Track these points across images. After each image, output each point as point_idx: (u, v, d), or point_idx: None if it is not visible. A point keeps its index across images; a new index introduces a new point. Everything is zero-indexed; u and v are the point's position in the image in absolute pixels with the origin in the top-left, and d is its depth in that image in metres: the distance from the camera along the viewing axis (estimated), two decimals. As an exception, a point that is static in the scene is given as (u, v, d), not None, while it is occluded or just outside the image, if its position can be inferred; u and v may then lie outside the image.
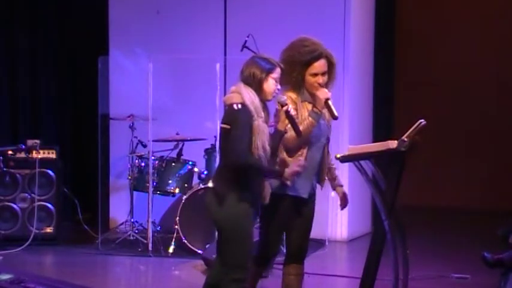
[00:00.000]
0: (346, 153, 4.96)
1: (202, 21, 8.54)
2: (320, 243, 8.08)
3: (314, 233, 8.18)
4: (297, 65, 4.67)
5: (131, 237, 7.96)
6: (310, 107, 4.68)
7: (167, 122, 8.12)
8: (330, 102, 4.69)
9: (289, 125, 4.55)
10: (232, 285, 4.43)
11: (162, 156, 7.87)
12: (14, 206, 7.97)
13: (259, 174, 4.43)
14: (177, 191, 7.80)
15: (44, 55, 9.16)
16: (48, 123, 9.18)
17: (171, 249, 7.50)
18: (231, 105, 4.38)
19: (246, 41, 7.51)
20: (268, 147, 4.39)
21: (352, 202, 8.39)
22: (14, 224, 7.96)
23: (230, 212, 4.38)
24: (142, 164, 7.88)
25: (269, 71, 4.43)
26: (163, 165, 7.80)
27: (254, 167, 4.36)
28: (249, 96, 4.37)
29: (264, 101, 4.45)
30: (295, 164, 4.53)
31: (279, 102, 4.54)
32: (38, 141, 7.94)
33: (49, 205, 8.02)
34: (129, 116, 7.98)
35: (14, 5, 8.97)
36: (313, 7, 8.35)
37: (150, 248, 7.59)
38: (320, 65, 4.77)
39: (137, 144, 8.07)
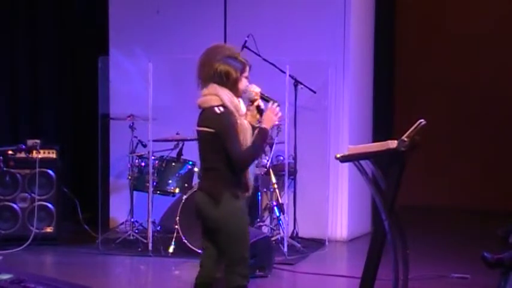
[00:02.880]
0: (346, 153, 4.97)
1: (202, 21, 8.55)
2: (320, 243, 8.08)
3: (314, 233, 8.27)
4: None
5: (131, 237, 7.96)
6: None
7: (167, 122, 8.12)
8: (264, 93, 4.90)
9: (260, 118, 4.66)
10: (239, 279, 4.50)
11: (162, 156, 7.87)
12: (14, 206, 7.97)
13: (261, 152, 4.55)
14: (177, 190, 7.80)
15: (44, 55, 9.16)
16: (48, 123, 9.18)
17: (171, 249, 7.50)
18: (211, 108, 4.44)
19: (246, 41, 7.52)
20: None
21: (352, 202, 8.48)
22: (14, 224, 7.96)
23: (227, 210, 4.45)
24: (143, 164, 7.88)
25: (242, 71, 4.52)
26: (163, 165, 7.80)
27: (257, 155, 4.56)
28: (228, 97, 4.45)
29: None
30: (270, 114, 4.56)
31: (248, 99, 4.63)
32: (38, 141, 7.94)
33: (49, 205, 8.02)
34: (129, 116, 7.98)
35: (14, 5, 8.97)
36: (313, 7, 8.35)
37: (150, 248, 7.59)
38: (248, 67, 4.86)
39: (137, 144, 8.07)
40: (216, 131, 4.40)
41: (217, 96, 4.43)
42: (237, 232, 4.47)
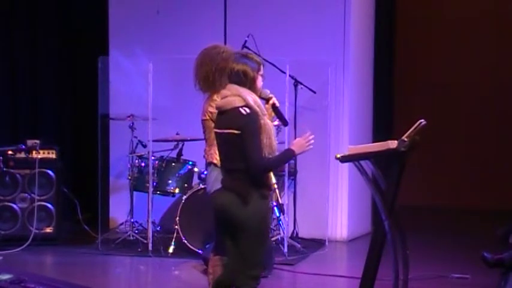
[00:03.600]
0: (346, 153, 4.97)
1: (202, 21, 8.54)
2: (320, 243, 8.08)
3: (314, 233, 8.28)
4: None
5: (131, 237, 7.95)
6: None
7: (167, 122, 8.12)
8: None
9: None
10: (251, 282, 4.47)
11: (162, 156, 7.87)
12: (14, 206, 7.97)
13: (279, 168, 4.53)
14: (177, 191, 7.80)
15: (44, 55, 9.15)
16: (48, 123, 9.18)
17: (171, 249, 7.50)
18: (236, 109, 4.35)
19: (246, 41, 7.52)
20: (274, 144, 4.41)
21: (352, 202, 8.48)
22: (14, 224, 7.96)
23: (256, 210, 4.39)
24: (142, 164, 7.88)
25: (258, 69, 4.49)
26: (163, 165, 7.80)
27: (273, 169, 4.45)
28: (252, 98, 4.38)
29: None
30: (302, 141, 4.54)
31: (263, 98, 4.61)
32: (38, 141, 7.94)
33: (49, 205, 8.02)
34: (129, 116, 7.98)
35: (14, 5, 8.97)
36: (313, 8, 8.35)
37: (150, 248, 7.59)
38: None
39: (137, 144, 8.07)
40: (242, 132, 4.32)
41: (240, 96, 4.36)
42: (263, 233, 4.46)
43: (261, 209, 4.42)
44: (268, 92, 4.63)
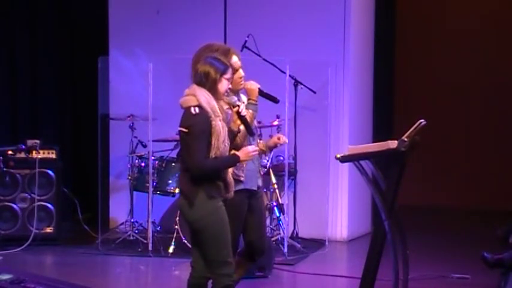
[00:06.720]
0: (346, 153, 4.97)
1: (202, 21, 8.54)
2: (320, 243, 8.09)
3: (314, 233, 8.28)
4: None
5: (131, 237, 7.95)
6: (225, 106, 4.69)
7: (167, 122, 8.10)
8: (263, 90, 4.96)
9: (241, 125, 4.68)
10: (223, 280, 4.50)
11: (162, 156, 7.87)
12: (14, 206, 7.97)
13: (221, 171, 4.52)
14: (177, 191, 7.79)
15: (44, 55, 9.15)
16: (48, 123, 9.18)
17: (171, 249, 7.50)
18: (188, 108, 4.44)
19: (246, 41, 7.51)
20: (224, 146, 4.45)
21: (352, 202, 8.48)
22: (14, 224, 7.96)
23: (202, 211, 4.45)
24: (142, 164, 7.89)
25: (223, 72, 4.50)
26: (163, 165, 7.80)
27: (212, 172, 4.45)
28: (205, 98, 4.43)
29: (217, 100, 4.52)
30: (248, 150, 4.58)
31: (230, 104, 4.63)
32: (38, 141, 7.93)
33: (49, 205, 8.02)
34: (129, 116, 7.98)
35: (14, 5, 8.97)
36: (313, 8, 8.36)
37: (150, 248, 7.59)
38: (237, 61, 4.86)
39: (137, 144, 8.07)
40: (189, 131, 4.41)
41: (195, 96, 4.45)
42: (215, 233, 4.46)
43: (207, 210, 4.44)
44: (235, 99, 4.66)
